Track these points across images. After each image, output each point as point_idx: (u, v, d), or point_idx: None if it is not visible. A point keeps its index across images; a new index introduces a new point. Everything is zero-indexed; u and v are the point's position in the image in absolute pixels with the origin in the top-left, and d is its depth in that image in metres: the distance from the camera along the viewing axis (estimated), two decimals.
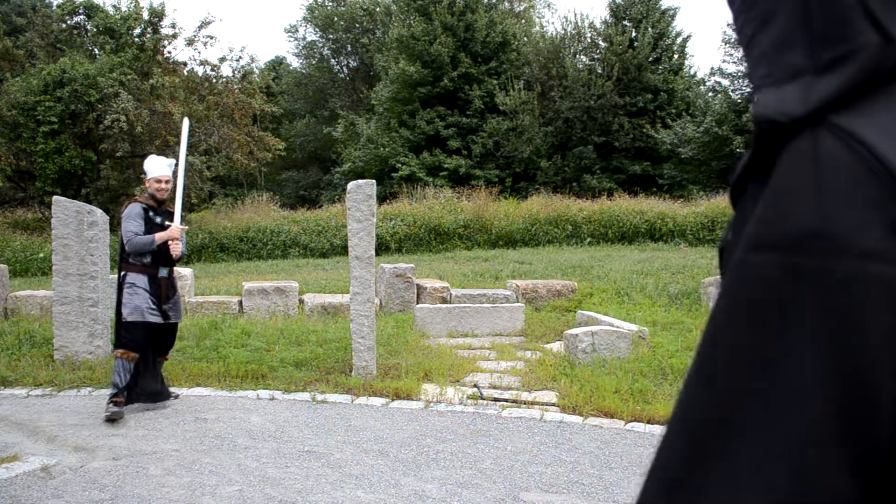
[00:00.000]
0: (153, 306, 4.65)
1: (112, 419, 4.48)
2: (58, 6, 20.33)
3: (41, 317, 7.38)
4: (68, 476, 3.61)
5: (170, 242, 4.69)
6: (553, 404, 4.80)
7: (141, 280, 4.65)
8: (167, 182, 4.80)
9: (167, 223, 4.77)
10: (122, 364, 4.58)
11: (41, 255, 12.69)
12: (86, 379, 5.46)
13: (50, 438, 4.20)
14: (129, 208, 4.75)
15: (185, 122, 5.35)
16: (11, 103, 15.01)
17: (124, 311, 4.60)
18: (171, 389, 5.07)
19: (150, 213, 4.75)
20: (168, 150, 15.94)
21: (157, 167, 4.81)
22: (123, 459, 3.84)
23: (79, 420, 4.54)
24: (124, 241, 4.63)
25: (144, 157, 17.29)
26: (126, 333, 4.62)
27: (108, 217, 6.26)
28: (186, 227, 4.95)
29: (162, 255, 4.70)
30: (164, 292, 4.72)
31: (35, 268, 12.66)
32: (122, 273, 4.69)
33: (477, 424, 4.45)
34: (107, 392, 5.19)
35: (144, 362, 4.75)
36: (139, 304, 4.60)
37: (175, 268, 4.98)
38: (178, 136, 15.72)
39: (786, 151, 0.47)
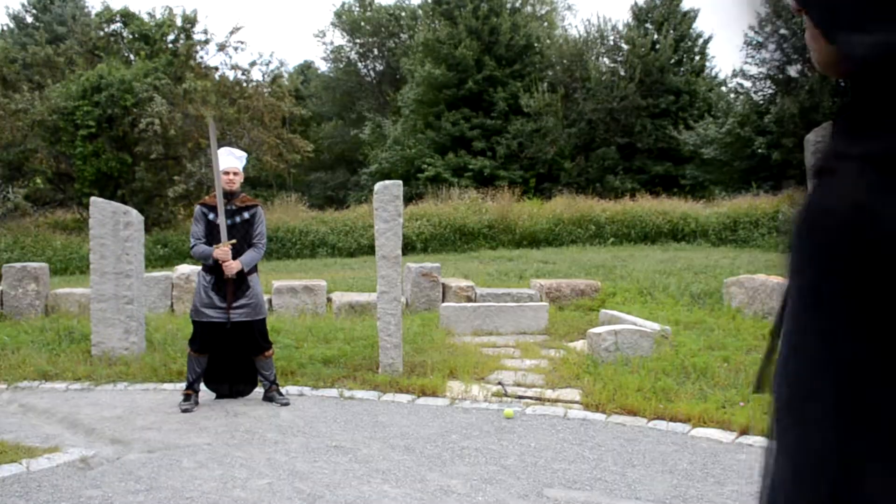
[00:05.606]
0: (212, 304, 4.68)
1: (184, 411, 4.74)
2: (96, 15, 20.90)
3: (79, 314, 7.60)
4: (105, 467, 3.74)
5: (222, 263, 4.65)
6: (576, 402, 4.83)
7: (206, 278, 4.73)
8: (235, 174, 4.77)
9: (225, 223, 4.70)
10: (188, 359, 4.83)
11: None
12: (122, 374, 5.62)
13: (88, 431, 4.34)
14: (194, 211, 4.84)
15: (211, 124, 5.27)
16: (52, 108, 15.45)
17: (191, 308, 4.80)
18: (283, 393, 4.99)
19: (210, 216, 4.75)
20: (200, 152, 16.27)
21: (224, 159, 4.82)
22: (158, 452, 3.97)
23: (115, 414, 4.69)
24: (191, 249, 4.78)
25: (177, 159, 17.68)
26: (193, 332, 4.82)
27: (142, 217, 6.42)
28: (232, 243, 4.70)
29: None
30: (229, 293, 4.69)
31: (74, 266, 13.03)
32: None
33: (501, 421, 4.50)
34: (142, 387, 5.38)
35: (223, 360, 4.88)
36: (195, 303, 4.74)
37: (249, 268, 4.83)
38: (209, 138, 16.05)
39: None
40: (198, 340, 4.77)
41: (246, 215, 4.83)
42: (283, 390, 5.09)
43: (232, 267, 4.64)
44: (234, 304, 4.71)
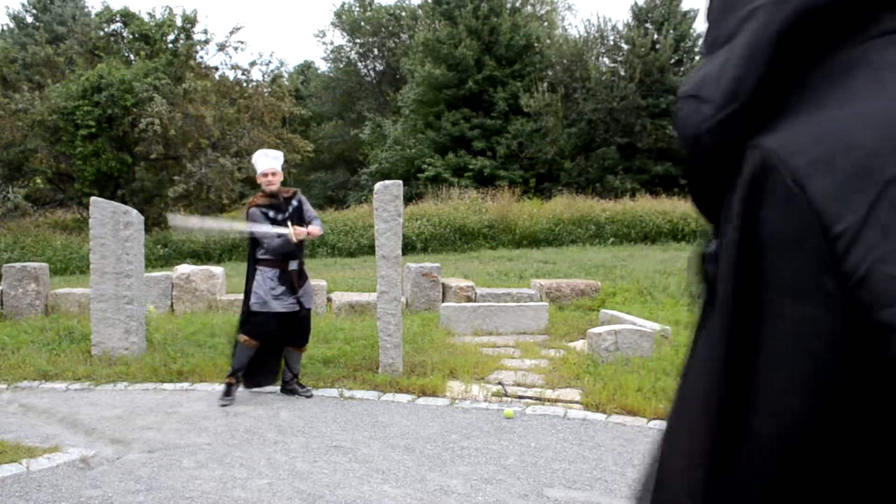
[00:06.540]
0: (280, 296, 4.83)
1: (223, 405, 4.83)
2: (96, 15, 20.90)
3: (80, 313, 7.61)
4: (105, 467, 3.74)
5: (300, 236, 4.82)
6: (576, 402, 4.83)
7: (269, 273, 4.85)
8: (273, 174, 4.91)
9: (284, 220, 4.86)
10: (242, 350, 4.89)
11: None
12: (122, 374, 5.62)
13: (88, 431, 4.35)
14: (250, 213, 4.90)
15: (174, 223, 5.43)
16: (52, 108, 15.46)
17: (252, 301, 4.86)
18: (307, 388, 5.15)
19: (270, 213, 4.88)
20: (200, 152, 16.27)
21: (262, 162, 4.97)
22: (158, 452, 3.97)
23: (115, 414, 4.70)
24: (265, 246, 4.83)
25: (177, 159, 17.70)
26: (252, 322, 4.88)
27: (142, 217, 6.42)
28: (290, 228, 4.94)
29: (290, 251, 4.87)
30: (294, 283, 4.90)
31: (74, 266, 13.03)
32: (253, 267, 4.93)
33: (501, 421, 4.50)
34: (142, 387, 5.38)
35: (264, 352, 4.98)
36: (263, 296, 4.82)
37: (303, 259, 5.10)
38: (209, 138, 16.09)
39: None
40: (259, 330, 4.85)
41: (295, 203, 5.01)
42: (280, 389, 5.13)
43: (316, 231, 4.91)
44: (299, 294, 4.91)
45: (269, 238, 4.80)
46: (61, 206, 18.84)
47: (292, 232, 4.78)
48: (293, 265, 4.91)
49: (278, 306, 4.84)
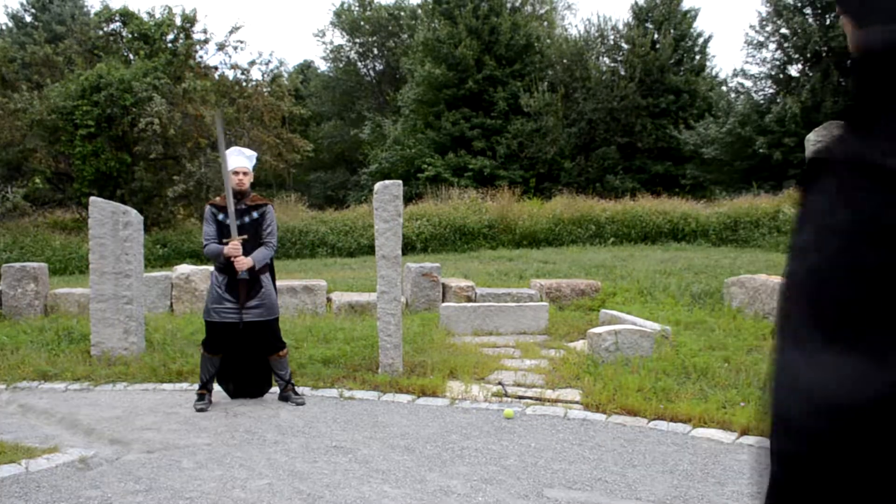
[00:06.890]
0: (225, 306, 4.66)
1: (199, 410, 4.73)
2: (95, 14, 20.88)
3: (79, 314, 7.60)
4: (105, 468, 3.73)
5: (233, 259, 4.60)
6: (576, 402, 4.82)
7: (219, 279, 4.71)
8: (244, 174, 4.74)
9: (239, 226, 4.67)
10: (203, 360, 4.81)
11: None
12: (121, 374, 5.61)
13: (87, 431, 4.34)
14: (204, 211, 4.80)
15: (219, 120, 5.07)
16: (51, 108, 15.45)
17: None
18: (299, 392, 5.01)
19: (220, 216, 4.71)
20: (199, 152, 16.26)
21: (233, 159, 4.77)
22: (157, 452, 3.96)
23: (114, 414, 4.69)
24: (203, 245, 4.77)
25: (176, 159, 17.67)
26: (206, 331, 4.79)
27: (142, 217, 6.41)
28: (243, 238, 4.67)
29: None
30: (242, 294, 4.66)
31: (73, 266, 13.02)
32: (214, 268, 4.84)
33: (501, 421, 4.49)
34: (141, 387, 5.37)
35: (233, 360, 4.86)
36: (207, 304, 4.74)
37: (260, 269, 4.79)
38: (209, 137, 16.08)
39: None
40: (210, 341, 4.75)
41: (255, 215, 4.79)
42: (297, 389, 5.09)
43: (243, 263, 4.60)
44: (248, 305, 4.69)
45: (212, 238, 4.69)
46: (60, 205, 18.83)
47: (233, 243, 4.58)
48: (243, 274, 4.63)
49: (217, 316, 4.65)
